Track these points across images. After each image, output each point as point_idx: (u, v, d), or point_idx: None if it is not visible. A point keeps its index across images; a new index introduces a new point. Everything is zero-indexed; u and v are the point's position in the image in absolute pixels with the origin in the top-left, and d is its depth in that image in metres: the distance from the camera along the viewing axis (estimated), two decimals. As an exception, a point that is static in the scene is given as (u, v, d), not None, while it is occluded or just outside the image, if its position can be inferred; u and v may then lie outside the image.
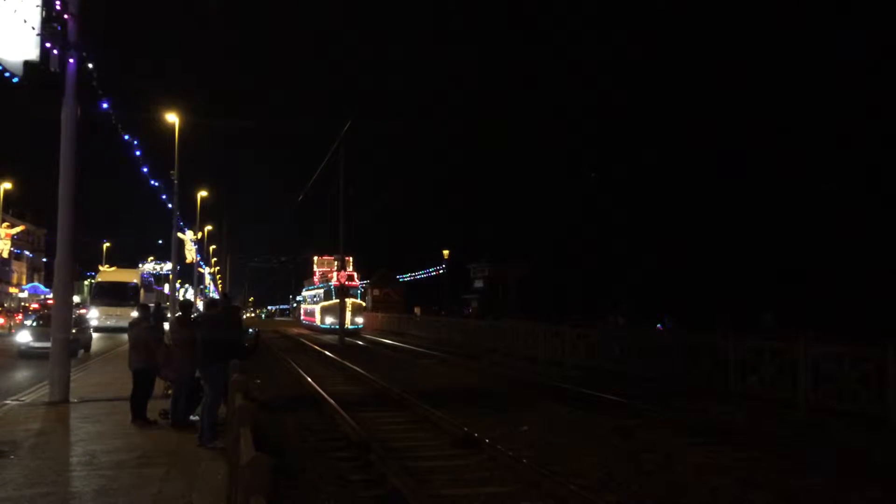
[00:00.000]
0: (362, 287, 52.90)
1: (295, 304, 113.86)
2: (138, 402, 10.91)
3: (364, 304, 52.59)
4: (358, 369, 21.18)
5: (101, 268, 54.39)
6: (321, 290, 51.79)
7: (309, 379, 18.66)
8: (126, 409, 11.00)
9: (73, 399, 12.82)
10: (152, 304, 13.46)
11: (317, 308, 51.46)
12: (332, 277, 49.86)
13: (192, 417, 10.43)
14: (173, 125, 32.69)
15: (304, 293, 64.41)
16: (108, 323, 36.02)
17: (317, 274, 60.96)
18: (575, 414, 13.56)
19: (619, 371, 19.27)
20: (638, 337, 19.63)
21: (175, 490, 7.29)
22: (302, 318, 62.35)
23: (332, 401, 14.30)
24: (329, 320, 46.74)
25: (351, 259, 53.96)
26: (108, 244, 78.69)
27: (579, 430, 11.97)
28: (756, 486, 8.59)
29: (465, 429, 11.15)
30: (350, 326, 43.81)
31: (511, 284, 62.33)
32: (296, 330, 54.30)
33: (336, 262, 48.97)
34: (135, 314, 13.84)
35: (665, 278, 48.57)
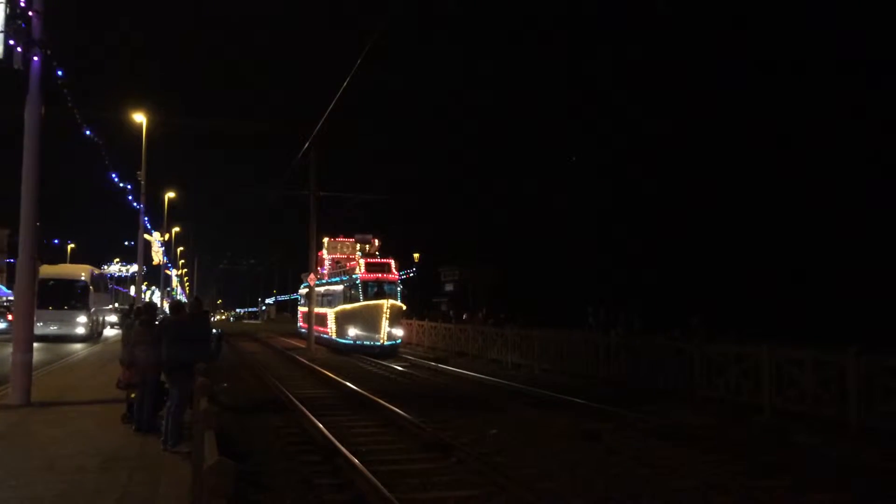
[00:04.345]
0: (400, 285, 33.53)
1: (263, 308, 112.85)
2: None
3: (405, 306, 33.76)
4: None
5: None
6: (338, 287, 34.12)
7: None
8: (91, 412, 10.85)
9: (34, 402, 12.58)
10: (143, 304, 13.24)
11: (330, 313, 33.85)
12: (354, 266, 33.57)
13: (157, 421, 10.31)
14: (141, 124, 32.29)
15: (303, 291, 43.51)
16: (51, 329, 29.92)
17: (326, 262, 40.03)
18: (543, 417, 13.65)
19: (588, 375, 19.42)
20: (605, 340, 19.77)
21: (138, 495, 7.19)
22: (300, 325, 44.82)
23: (300, 404, 14.19)
24: (353, 333, 30.85)
25: (377, 241, 39.23)
26: (72, 245, 77.46)
27: (547, 434, 12.04)
28: (720, 488, 8.72)
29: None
30: (387, 342, 30.00)
31: (481, 287, 62.58)
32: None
33: (360, 246, 38.84)
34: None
35: (638, 279, 48.77)
